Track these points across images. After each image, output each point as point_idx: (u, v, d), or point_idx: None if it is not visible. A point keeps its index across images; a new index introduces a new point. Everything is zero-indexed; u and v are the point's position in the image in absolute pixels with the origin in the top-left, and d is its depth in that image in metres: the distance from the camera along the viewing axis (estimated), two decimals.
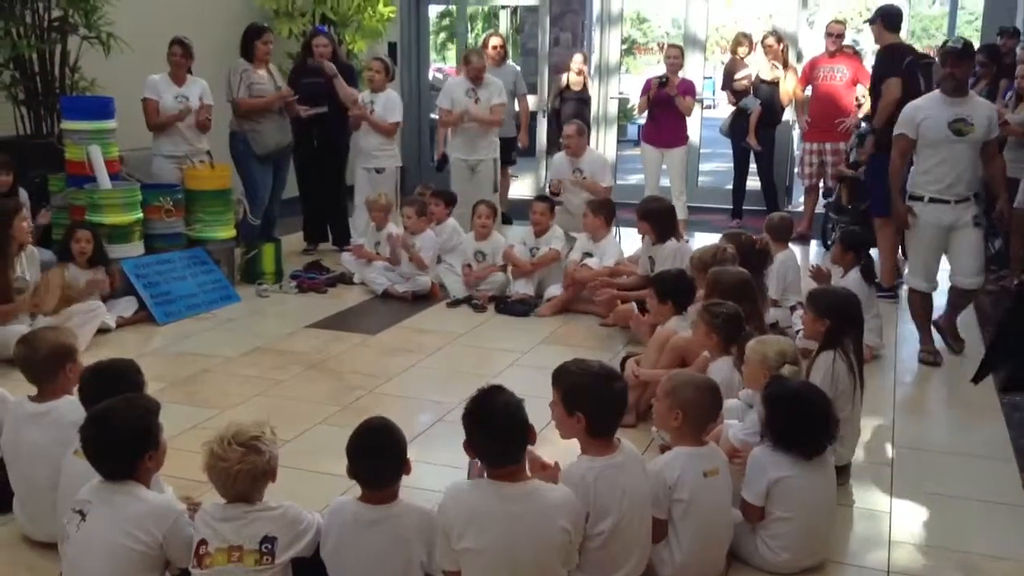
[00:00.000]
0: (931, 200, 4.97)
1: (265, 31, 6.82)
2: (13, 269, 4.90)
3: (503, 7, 10.92)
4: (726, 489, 3.04)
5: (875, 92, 6.37)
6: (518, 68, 9.09)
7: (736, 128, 8.68)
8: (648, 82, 8.16)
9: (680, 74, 8.16)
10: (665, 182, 8.32)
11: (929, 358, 5.15)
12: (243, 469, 2.45)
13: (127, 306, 5.61)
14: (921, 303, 5.20)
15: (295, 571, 2.54)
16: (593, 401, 2.74)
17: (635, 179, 10.40)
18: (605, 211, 6.10)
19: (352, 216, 7.48)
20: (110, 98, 6.17)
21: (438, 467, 3.61)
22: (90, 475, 2.64)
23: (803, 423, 3.06)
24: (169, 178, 6.40)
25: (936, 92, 4.97)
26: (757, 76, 8.54)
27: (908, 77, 6.04)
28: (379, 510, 2.59)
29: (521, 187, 10.01)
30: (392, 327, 5.74)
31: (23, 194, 5.71)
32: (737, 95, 8.65)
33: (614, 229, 6.96)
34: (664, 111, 7.99)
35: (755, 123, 8.44)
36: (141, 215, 5.91)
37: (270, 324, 5.76)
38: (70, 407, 3.05)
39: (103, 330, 5.29)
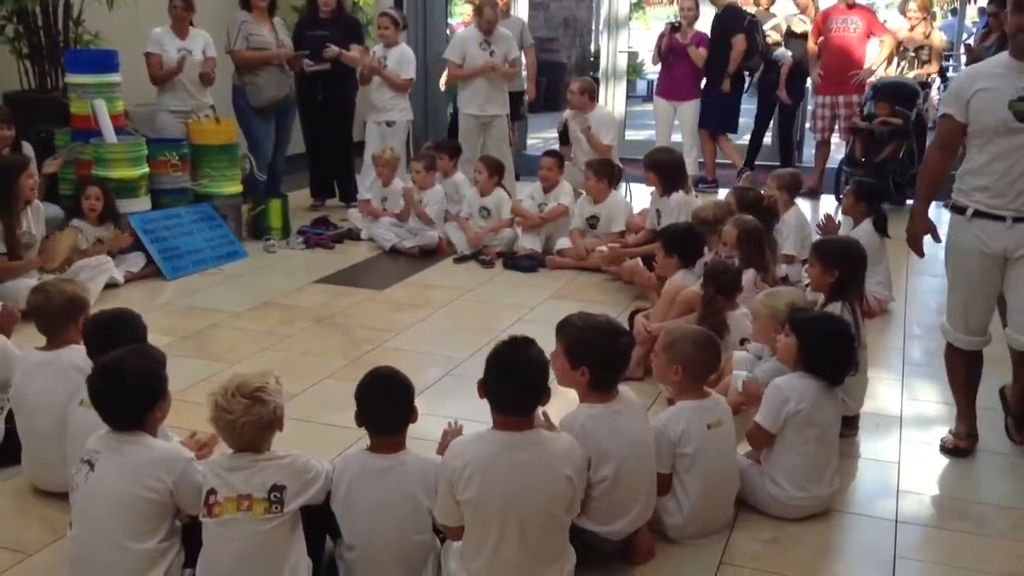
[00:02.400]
0: (977, 214, 3.34)
1: None
2: (20, 225, 4.90)
3: None
4: (730, 440, 3.06)
5: (723, 46, 7.98)
6: (524, 20, 8.97)
7: (765, 80, 8.56)
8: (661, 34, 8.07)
9: (695, 27, 8.04)
10: (676, 137, 8.24)
11: (952, 443, 3.59)
12: (248, 421, 2.45)
13: (135, 261, 5.62)
14: (960, 364, 3.58)
15: (305, 519, 2.55)
16: (597, 356, 2.74)
17: (645, 135, 10.31)
18: (607, 173, 6.02)
19: (360, 172, 7.42)
20: (114, 51, 6.13)
21: (446, 419, 3.59)
22: (97, 425, 2.64)
23: (834, 342, 3.14)
24: (174, 133, 6.37)
25: (1004, 55, 3.32)
26: (788, 29, 8.40)
27: (749, 33, 7.93)
28: (387, 459, 2.60)
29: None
30: (399, 283, 5.73)
31: (27, 148, 5.68)
32: (768, 48, 8.51)
33: (622, 187, 6.91)
34: (677, 64, 7.89)
35: (786, 76, 8.31)
36: (147, 170, 5.90)
37: (277, 279, 5.76)
38: (76, 354, 3.07)
39: (111, 285, 5.30)
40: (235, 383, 2.49)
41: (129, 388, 2.56)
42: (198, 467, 2.58)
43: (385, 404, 2.61)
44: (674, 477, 2.95)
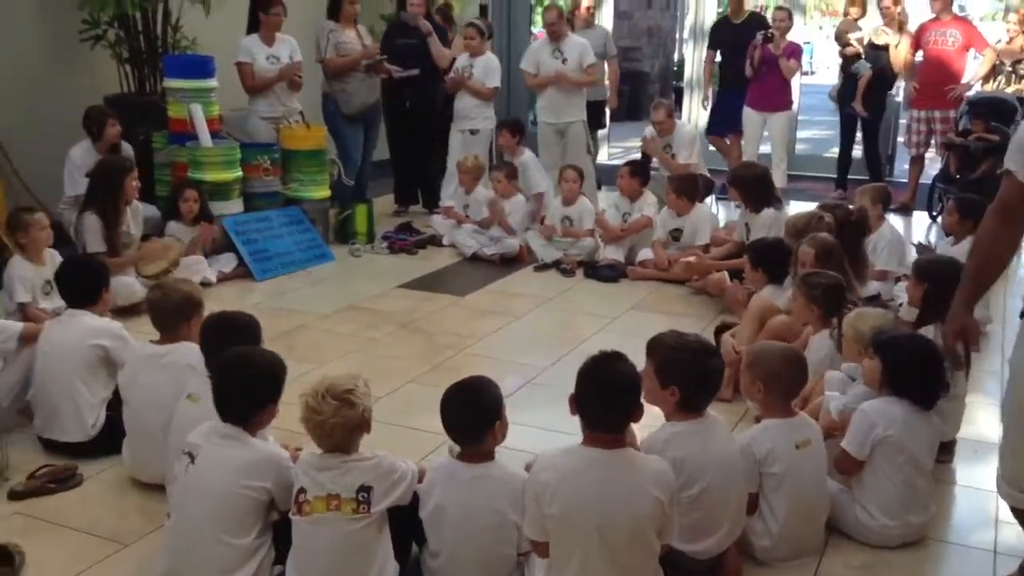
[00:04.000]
0: None
1: None
2: (122, 224, 5.09)
3: None
4: (820, 460, 2.98)
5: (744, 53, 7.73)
6: (609, 30, 8.96)
7: (845, 94, 8.38)
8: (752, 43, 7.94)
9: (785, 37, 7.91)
10: (765, 148, 8.12)
11: None
12: (338, 422, 2.49)
13: (227, 262, 5.78)
14: None
15: (391, 523, 2.57)
16: (689, 376, 2.71)
17: None
18: (687, 190, 5.95)
19: (444, 179, 7.47)
20: (211, 57, 6.29)
21: (526, 428, 3.60)
22: (199, 420, 2.73)
23: (919, 365, 3.02)
24: (265, 138, 6.50)
25: None
26: (869, 40, 8.21)
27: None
28: (475, 468, 2.62)
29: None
30: (481, 289, 5.76)
31: (127, 149, 5.88)
32: (847, 60, 8.33)
33: (708, 200, 6.84)
34: (769, 74, 7.77)
35: (864, 89, 8.12)
36: (240, 173, 6.05)
37: (362, 283, 5.84)
38: (187, 351, 3.17)
39: (204, 284, 5.41)
40: (325, 385, 2.54)
41: (248, 378, 2.64)
42: (292, 464, 2.63)
43: (462, 416, 2.63)
44: (761, 497, 2.90)
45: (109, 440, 3.38)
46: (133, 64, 6.60)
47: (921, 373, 3.03)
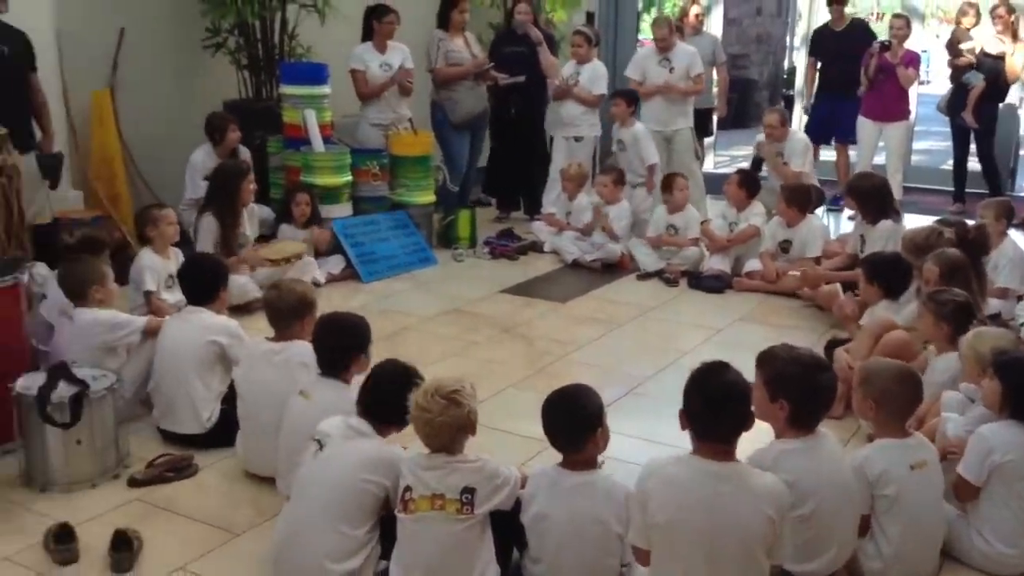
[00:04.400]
0: None
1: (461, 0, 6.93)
2: (239, 225, 5.28)
3: None
4: (937, 483, 2.89)
5: (854, 59, 7.60)
6: (718, 37, 8.83)
7: (955, 104, 8.05)
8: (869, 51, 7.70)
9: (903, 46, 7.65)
10: (879, 159, 7.87)
11: None
12: (445, 421, 2.54)
13: (335, 263, 5.92)
14: None
15: (493, 524, 2.60)
16: (799, 391, 2.66)
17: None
18: (799, 201, 5.80)
19: (546, 186, 7.47)
20: (325, 65, 6.46)
21: (628, 438, 3.58)
22: (310, 416, 2.81)
23: None
24: (375, 143, 6.64)
25: None
26: (982, 49, 7.87)
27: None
28: (577, 476, 2.61)
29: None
30: (582, 296, 5.75)
31: (245, 152, 6.08)
32: (958, 69, 8.01)
33: (820, 211, 6.66)
34: (886, 82, 7.53)
35: (976, 99, 7.78)
36: (350, 178, 6.20)
37: (465, 287, 5.90)
38: (301, 349, 3.28)
39: (313, 284, 5.57)
40: (434, 385, 2.60)
41: (400, 390, 2.70)
42: None
43: (563, 423, 2.64)
44: (873, 519, 2.81)
45: (223, 433, 3.51)
46: (251, 70, 6.82)
47: None
